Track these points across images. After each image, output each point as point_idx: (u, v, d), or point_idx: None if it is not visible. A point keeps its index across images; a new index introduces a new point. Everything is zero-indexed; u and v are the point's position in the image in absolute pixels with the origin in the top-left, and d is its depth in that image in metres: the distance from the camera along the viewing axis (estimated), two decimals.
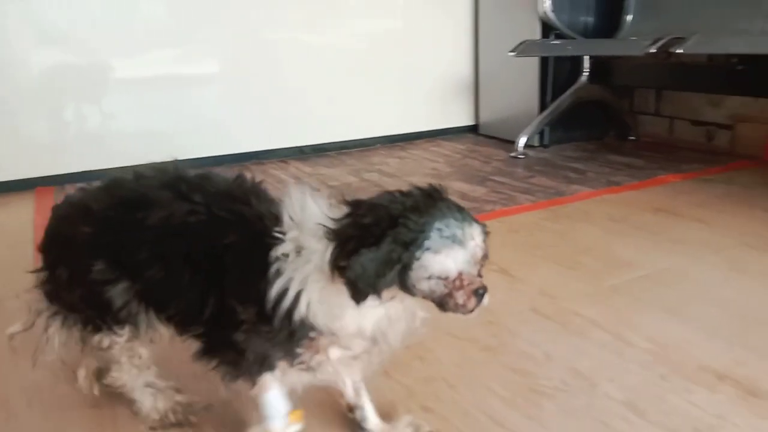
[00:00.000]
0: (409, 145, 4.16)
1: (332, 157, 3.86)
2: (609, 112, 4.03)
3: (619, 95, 4.03)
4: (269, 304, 0.93)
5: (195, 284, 1.02)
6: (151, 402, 1.26)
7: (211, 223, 1.03)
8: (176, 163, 1.17)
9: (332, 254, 0.91)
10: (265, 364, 1.02)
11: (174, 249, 1.04)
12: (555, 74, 3.80)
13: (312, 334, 0.96)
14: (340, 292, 0.90)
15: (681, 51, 2.61)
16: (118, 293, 1.10)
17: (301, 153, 3.92)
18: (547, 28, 3.66)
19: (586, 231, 2.35)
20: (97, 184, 1.18)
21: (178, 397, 1.29)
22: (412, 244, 0.88)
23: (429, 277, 0.90)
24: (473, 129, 4.49)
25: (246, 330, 0.98)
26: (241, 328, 0.98)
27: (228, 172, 1.14)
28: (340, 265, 0.89)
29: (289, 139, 3.91)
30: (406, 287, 0.91)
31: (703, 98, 3.65)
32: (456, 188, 3.00)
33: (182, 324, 1.09)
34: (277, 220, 0.98)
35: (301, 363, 1.00)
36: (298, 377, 1.04)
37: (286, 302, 0.93)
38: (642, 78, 3.78)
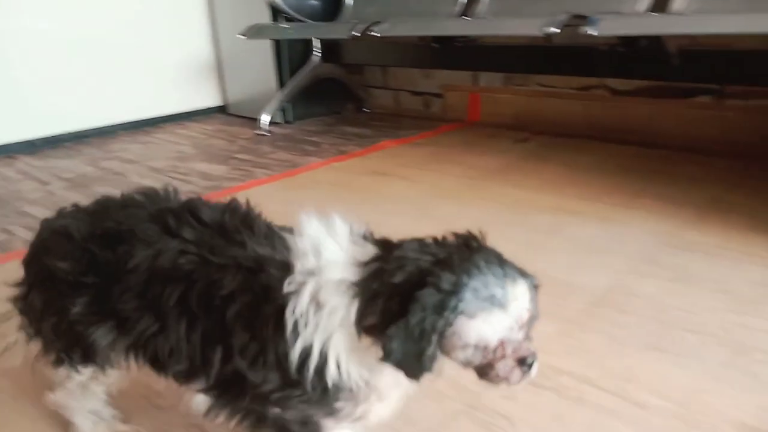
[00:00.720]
0: (155, 129, 4.14)
1: (68, 148, 3.69)
2: (344, 87, 4.41)
3: (351, 72, 4.42)
4: (293, 368, 0.83)
5: (193, 340, 0.90)
6: (89, 429, 1.19)
7: (204, 268, 0.90)
8: (168, 189, 1.06)
9: (357, 315, 0.80)
10: (311, 427, 0.92)
11: (166, 298, 0.90)
12: (290, 54, 4.06)
13: (350, 386, 0.86)
14: (370, 349, 0.82)
15: (377, 34, 2.99)
16: (101, 336, 0.98)
17: (32, 146, 3.69)
18: (277, 12, 3.87)
19: (311, 196, 2.64)
20: (88, 204, 1.07)
21: (121, 428, 1.22)
22: (444, 309, 0.76)
23: (464, 346, 0.79)
24: (222, 109, 4.59)
25: (277, 401, 0.87)
26: (271, 399, 0.87)
27: (220, 199, 1.04)
28: (368, 326, 0.80)
29: (18, 133, 3.64)
30: (444, 353, 0.81)
31: (419, 72, 4.19)
32: (198, 169, 3.12)
33: (184, 381, 0.97)
34: (286, 268, 0.86)
35: (348, 416, 0.90)
36: (349, 428, 0.94)
37: (312, 362, 0.83)
38: (368, 56, 4.19)
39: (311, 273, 0.84)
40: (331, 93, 4.36)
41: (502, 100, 3.77)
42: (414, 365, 0.78)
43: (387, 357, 0.77)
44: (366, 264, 0.83)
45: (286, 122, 4.14)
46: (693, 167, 2.76)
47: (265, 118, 3.92)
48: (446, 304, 0.75)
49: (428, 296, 0.75)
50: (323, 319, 0.82)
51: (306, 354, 0.83)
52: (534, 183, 2.67)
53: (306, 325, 0.83)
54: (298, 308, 0.83)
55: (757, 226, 2.12)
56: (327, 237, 0.87)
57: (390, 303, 0.78)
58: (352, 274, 0.82)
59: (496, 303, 0.77)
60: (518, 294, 0.78)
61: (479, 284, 0.76)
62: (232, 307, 0.86)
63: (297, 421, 0.91)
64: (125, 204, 1.02)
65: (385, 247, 0.86)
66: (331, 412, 0.89)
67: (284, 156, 3.34)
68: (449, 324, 0.76)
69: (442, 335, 0.77)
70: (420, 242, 0.84)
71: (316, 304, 0.83)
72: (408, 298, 0.76)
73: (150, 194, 1.04)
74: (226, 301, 0.87)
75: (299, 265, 0.85)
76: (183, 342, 0.90)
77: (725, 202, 2.36)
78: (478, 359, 0.80)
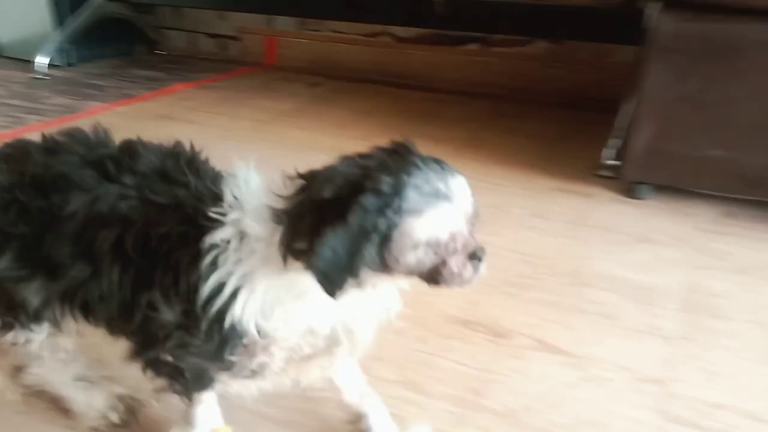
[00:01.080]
0: None
1: None
2: (134, 28, 4.17)
3: (141, 11, 4.18)
4: (199, 303, 0.79)
5: (125, 283, 0.86)
6: (85, 398, 1.07)
7: (144, 210, 0.86)
8: (99, 131, 0.96)
9: (283, 237, 0.75)
10: (203, 381, 0.90)
11: (101, 242, 0.86)
12: None
13: (245, 340, 0.80)
14: (291, 287, 0.78)
15: None
16: (33, 292, 0.92)
17: None
18: None
19: None
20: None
21: (117, 389, 1.10)
22: (387, 208, 0.71)
23: (415, 246, 0.74)
24: None
25: (176, 345, 0.83)
26: (170, 341, 0.83)
27: (161, 142, 0.96)
28: (296, 249, 0.74)
29: None
30: (386, 265, 0.75)
31: (214, 13, 4.09)
32: None
33: (113, 327, 0.93)
34: (216, 199, 0.83)
35: (242, 370, 0.85)
36: (243, 385, 0.90)
37: (219, 301, 0.78)
38: None
39: (239, 203, 0.81)
40: (120, 34, 4.11)
41: (298, 45, 3.84)
42: (341, 269, 0.71)
43: (313, 257, 0.70)
44: (293, 194, 0.78)
45: (69, 65, 3.84)
46: (459, 108, 3.08)
47: (41, 60, 3.61)
48: (389, 204, 0.71)
49: (368, 199, 0.71)
50: (245, 251, 0.79)
51: (216, 291, 0.78)
52: (318, 125, 2.81)
53: (226, 257, 0.79)
54: (218, 237, 0.79)
55: (502, 159, 2.45)
56: (254, 172, 0.85)
57: (322, 216, 0.71)
58: (277, 202, 0.78)
59: (441, 196, 0.73)
60: (461, 186, 0.76)
61: (421, 181, 0.73)
62: (164, 245, 0.83)
63: (192, 370, 0.88)
64: (51, 149, 0.95)
65: (312, 175, 0.79)
66: (225, 367, 0.85)
67: (62, 101, 3.13)
68: (395, 225, 0.72)
69: (387, 239, 0.72)
70: (346, 158, 0.78)
71: (239, 234, 0.79)
72: (342, 209, 0.70)
73: (79, 137, 0.96)
74: (161, 241, 0.83)
75: (228, 196, 0.82)
76: (114, 286, 0.87)
77: (480, 139, 2.68)
78: (430, 259, 0.75)
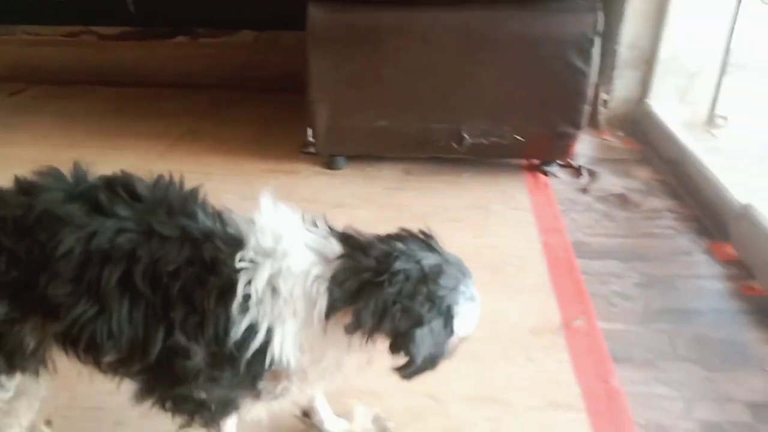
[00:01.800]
0: None
1: None
2: None
3: None
4: (231, 343, 0.84)
5: (137, 320, 0.86)
6: None
7: (149, 245, 0.86)
8: (77, 168, 0.94)
9: (329, 310, 0.86)
10: (229, 409, 0.96)
11: (107, 279, 0.85)
12: None
13: (280, 369, 0.88)
14: (327, 338, 0.87)
15: None
16: (30, 331, 0.92)
17: None
18: None
19: None
20: None
21: None
22: (451, 312, 0.87)
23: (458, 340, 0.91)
24: None
25: (205, 381, 0.88)
26: (199, 379, 0.87)
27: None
28: (344, 323, 0.86)
29: None
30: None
31: None
32: None
33: (122, 365, 0.92)
34: (237, 243, 0.86)
35: (268, 395, 0.94)
36: (263, 407, 0.98)
37: (257, 341, 0.84)
38: None
39: (267, 254, 0.86)
40: None
41: None
42: (432, 364, 0.88)
43: (412, 361, 0.86)
44: (334, 260, 0.87)
45: None
46: (177, 102, 3.11)
47: None
48: (453, 309, 0.87)
49: (438, 298, 0.86)
50: (279, 303, 0.85)
51: (250, 332, 0.84)
52: (25, 137, 2.65)
53: (258, 304, 0.84)
54: (253, 286, 0.84)
55: (218, 149, 2.57)
56: (284, 221, 0.89)
57: (392, 314, 0.85)
58: (320, 269, 0.86)
59: (474, 299, 0.91)
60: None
61: (465, 287, 0.90)
62: (178, 281, 0.84)
63: (219, 401, 0.93)
64: (25, 190, 0.92)
65: (348, 242, 0.90)
66: (256, 394, 0.93)
67: None
68: (453, 324, 0.88)
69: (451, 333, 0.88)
70: (382, 239, 0.91)
71: (273, 288, 0.85)
72: (412, 297, 0.85)
73: (55, 174, 0.93)
74: (172, 277, 0.85)
75: (253, 243, 0.86)
76: (125, 322, 0.86)
77: (197, 131, 2.76)
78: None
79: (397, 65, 2.05)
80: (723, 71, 2.52)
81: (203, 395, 0.91)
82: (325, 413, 1.19)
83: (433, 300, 0.85)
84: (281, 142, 2.61)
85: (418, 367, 0.87)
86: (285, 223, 0.91)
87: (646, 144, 2.50)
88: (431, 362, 0.88)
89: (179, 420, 0.96)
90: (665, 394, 1.31)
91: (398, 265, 0.86)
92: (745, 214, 1.74)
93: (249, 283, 0.85)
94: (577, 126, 2.08)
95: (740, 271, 1.69)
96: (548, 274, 1.70)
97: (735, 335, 1.46)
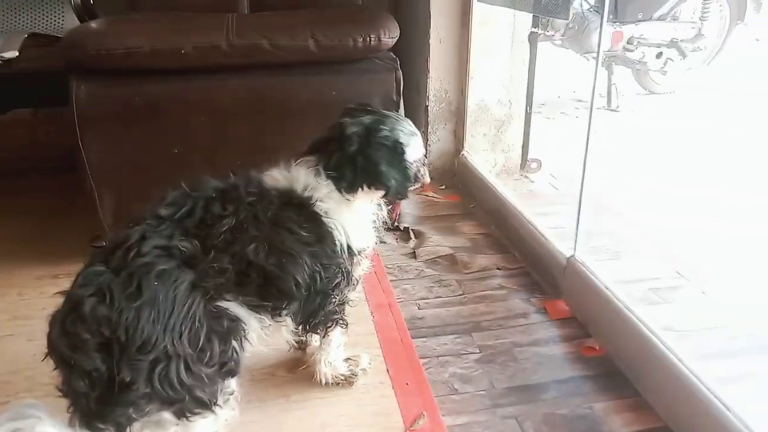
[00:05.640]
0: None
1: None
2: None
3: None
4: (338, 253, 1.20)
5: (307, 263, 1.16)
6: None
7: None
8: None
9: (345, 183, 1.23)
10: (344, 306, 1.36)
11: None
12: None
13: (355, 259, 1.27)
14: (359, 213, 1.28)
15: None
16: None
17: None
18: None
19: None
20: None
21: None
22: (398, 144, 1.25)
23: (415, 162, 1.29)
24: None
25: (332, 288, 1.23)
26: (333, 292, 1.24)
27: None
28: (356, 186, 1.23)
29: None
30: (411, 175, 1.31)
31: None
32: None
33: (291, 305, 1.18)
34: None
35: (356, 284, 1.33)
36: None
37: (341, 240, 1.20)
38: None
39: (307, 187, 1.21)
40: None
41: None
42: (405, 183, 1.28)
43: (382, 181, 1.23)
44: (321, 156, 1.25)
45: None
46: None
47: None
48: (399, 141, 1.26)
49: (384, 137, 1.24)
50: (329, 209, 1.20)
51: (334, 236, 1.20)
52: None
53: (327, 215, 1.20)
54: (325, 211, 1.20)
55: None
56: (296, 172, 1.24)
57: (369, 161, 1.22)
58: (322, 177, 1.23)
59: (414, 133, 1.30)
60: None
61: (402, 126, 1.28)
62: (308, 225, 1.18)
63: (339, 302, 1.31)
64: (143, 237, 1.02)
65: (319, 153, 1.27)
66: (353, 286, 1.32)
67: None
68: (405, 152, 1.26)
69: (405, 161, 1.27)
70: (345, 121, 1.28)
71: (321, 201, 1.20)
72: (366, 144, 1.23)
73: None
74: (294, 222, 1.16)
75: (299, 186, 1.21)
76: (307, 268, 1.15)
77: None
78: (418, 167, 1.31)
79: (185, 140, 1.78)
80: (529, 118, 2.57)
81: (335, 302, 1.28)
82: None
83: (382, 143, 1.22)
84: (67, 237, 2.19)
85: (394, 191, 1.24)
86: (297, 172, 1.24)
87: (468, 196, 2.45)
88: (402, 186, 1.26)
89: (321, 331, 1.33)
90: None
91: (349, 130, 1.22)
92: (571, 267, 1.69)
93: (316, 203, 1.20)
94: None
95: (577, 329, 1.62)
96: (385, 365, 1.50)
97: (583, 408, 1.35)
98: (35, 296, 1.88)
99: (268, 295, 1.11)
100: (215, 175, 1.19)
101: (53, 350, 0.94)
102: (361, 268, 1.32)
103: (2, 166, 2.83)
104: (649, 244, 2.14)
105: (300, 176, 1.21)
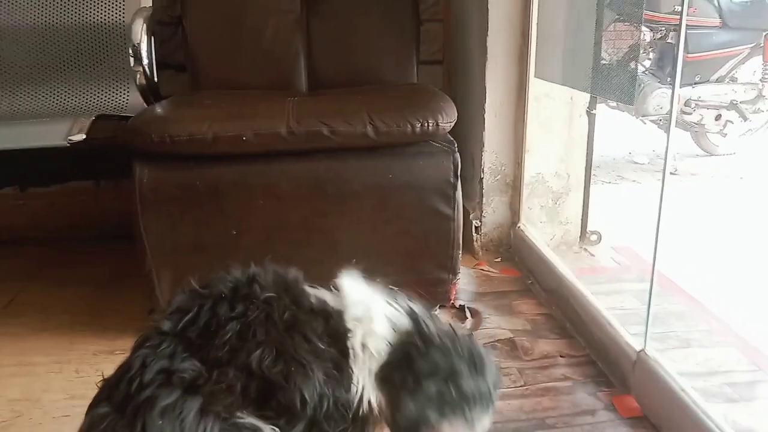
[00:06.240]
0: None
1: None
2: None
3: None
4: (353, 401, 1.02)
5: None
6: None
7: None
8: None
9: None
10: None
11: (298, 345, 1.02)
12: None
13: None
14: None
15: None
16: None
17: None
18: None
19: None
20: None
21: None
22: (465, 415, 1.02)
23: None
24: None
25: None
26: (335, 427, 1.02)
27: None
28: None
29: None
30: None
31: None
32: None
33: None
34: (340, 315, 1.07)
35: None
36: None
37: (365, 395, 1.03)
38: None
39: (359, 321, 1.06)
40: None
41: None
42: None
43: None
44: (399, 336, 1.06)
45: None
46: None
47: None
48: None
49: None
50: (366, 358, 1.04)
51: (357, 382, 1.03)
52: None
53: (356, 360, 1.04)
54: (353, 345, 1.05)
55: (44, 326, 2.12)
56: (367, 294, 1.11)
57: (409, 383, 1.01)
58: (391, 335, 1.06)
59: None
60: None
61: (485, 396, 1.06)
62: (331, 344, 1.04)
63: None
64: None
65: (415, 324, 1.06)
66: None
67: None
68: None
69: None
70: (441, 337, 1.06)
71: (363, 345, 1.05)
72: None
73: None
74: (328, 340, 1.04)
75: (349, 313, 1.07)
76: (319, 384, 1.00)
77: (21, 303, 2.31)
78: None
79: (244, 224, 1.79)
80: (587, 190, 2.51)
81: None
82: None
83: (438, 398, 1.00)
84: (124, 310, 2.22)
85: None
86: (369, 295, 1.10)
87: (524, 270, 2.39)
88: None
89: None
90: None
91: (434, 356, 1.02)
92: (641, 363, 1.59)
93: (353, 342, 1.04)
94: (453, 272, 1.90)
95: (649, 430, 1.52)
96: None
97: None
98: (92, 374, 1.88)
99: (266, 408, 0.97)
100: (241, 264, 1.13)
101: None
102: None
103: (63, 233, 2.93)
104: (723, 330, 2.01)
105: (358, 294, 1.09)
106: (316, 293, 1.10)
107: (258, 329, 0.98)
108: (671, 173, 3.90)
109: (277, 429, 0.99)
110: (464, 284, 2.28)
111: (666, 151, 1.52)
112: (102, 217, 2.94)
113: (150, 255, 1.81)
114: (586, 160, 2.46)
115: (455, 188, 1.80)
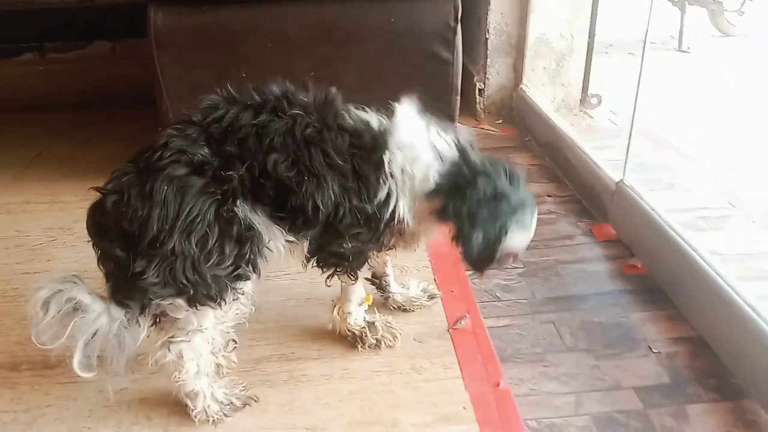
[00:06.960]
0: None
1: None
2: None
3: None
4: (374, 204, 1.13)
5: (334, 189, 1.11)
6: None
7: (330, 134, 1.12)
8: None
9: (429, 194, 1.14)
10: (362, 260, 1.26)
11: (315, 157, 1.10)
12: None
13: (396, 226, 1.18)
14: (424, 211, 1.16)
15: None
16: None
17: None
18: None
19: None
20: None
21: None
22: (504, 230, 1.12)
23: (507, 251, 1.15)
24: None
25: (351, 236, 1.15)
26: (347, 236, 1.15)
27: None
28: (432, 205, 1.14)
29: None
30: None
31: None
32: None
33: (307, 228, 1.14)
34: (386, 134, 1.14)
35: (385, 246, 1.24)
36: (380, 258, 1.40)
37: (391, 204, 1.14)
38: None
39: (404, 145, 1.13)
40: None
41: None
42: (486, 262, 1.15)
43: (466, 250, 1.13)
44: (447, 162, 1.13)
45: None
46: (25, 127, 2.80)
47: None
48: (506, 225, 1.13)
49: (499, 212, 1.12)
50: (406, 179, 1.13)
51: (387, 198, 1.13)
52: None
53: (393, 178, 1.13)
54: (393, 165, 1.13)
55: (73, 174, 2.29)
56: (418, 123, 1.16)
57: (462, 215, 1.11)
58: (436, 164, 1.13)
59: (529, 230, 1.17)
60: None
61: (525, 215, 1.15)
62: (353, 158, 1.12)
63: (355, 253, 1.20)
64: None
65: (462, 154, 1.14)
66: (378, 247, 1.23)
67: None
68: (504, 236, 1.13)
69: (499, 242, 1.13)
70: (484, 163, 1.14)
71: (403, 169, 1.13)
72: (485, 215, 1.11)
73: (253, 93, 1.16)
74: (350, 155, 1.12)
75: (396, 136, 1.13)
76: (333, 192, 1.10)
77: (49, 156, 2.48)
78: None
79: (255, 66, 1.88)
80: (590, 52, 2.55)
81: (347, 249, 1.18)
82: (392, 278, 1.47)
83: (495, 217, 1.11)
84: None
85: (471, 261, 1.15)
86: (419, 124, 1.16)
87: (524, 129, 2.48)
88: (481, 261, 1.15)
89: (328, 272, 1.25)
90: (554, 390, 1.25)
91: (481, 183, 1.11)
92: (619, 191, 1.72)
93: (390, 162, 1.13)
94: (451, 118, 2.00)
95: (621, 250, 1.67)
96: (432, 274, 1.60)
97: (619, 318, 1.42)
98: None
99: (281, 209, 1.11)
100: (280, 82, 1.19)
101: (89, 233, 1.09)
102: (396, 242, 1.24)
103: (85, 98, 3.05)
104: (704, 177, 2.13)
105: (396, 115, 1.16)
106: (360, 114, 1.17)
107: (276, 138, 1.08)
108: (683, 51, 3.88)
109: (282, 228, 1.14)
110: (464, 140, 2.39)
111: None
112: (119, 83, 3.05)
113: (166, 96, 1.93)
114: (591, 20, 2.49)
115: (455, 32, 1.86)
